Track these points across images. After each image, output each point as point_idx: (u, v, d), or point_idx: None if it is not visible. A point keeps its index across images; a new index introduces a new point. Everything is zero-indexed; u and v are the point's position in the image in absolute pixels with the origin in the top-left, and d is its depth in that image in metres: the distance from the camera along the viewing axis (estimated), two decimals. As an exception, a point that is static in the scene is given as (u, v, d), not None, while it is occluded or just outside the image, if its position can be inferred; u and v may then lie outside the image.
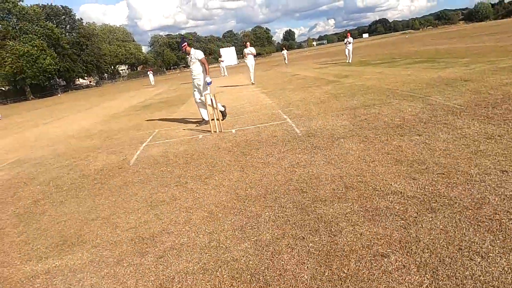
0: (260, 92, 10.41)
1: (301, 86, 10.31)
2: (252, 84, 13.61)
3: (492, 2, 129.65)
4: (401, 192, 2.52)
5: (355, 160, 3.33)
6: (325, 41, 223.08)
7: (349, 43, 17.60)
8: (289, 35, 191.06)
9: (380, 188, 2.63)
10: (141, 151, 5.14)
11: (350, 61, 17.24)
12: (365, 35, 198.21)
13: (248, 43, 14.08)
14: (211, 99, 5.67)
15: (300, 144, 4.18)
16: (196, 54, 6.37)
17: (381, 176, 2.86)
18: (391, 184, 2.67)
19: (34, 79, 57.57)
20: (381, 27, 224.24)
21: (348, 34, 17.73)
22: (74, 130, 8.72)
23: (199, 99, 6.49)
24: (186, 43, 6.35)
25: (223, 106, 6.66)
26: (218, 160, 4.10)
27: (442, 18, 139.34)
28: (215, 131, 5.63)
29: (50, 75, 61.41)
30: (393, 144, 3.62)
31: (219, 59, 28.89)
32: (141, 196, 3.31)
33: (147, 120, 8.34)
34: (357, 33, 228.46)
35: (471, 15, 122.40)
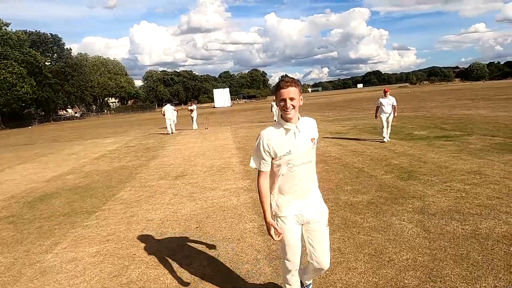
0: (252, 211, 5.19)
1: (334, 203, 5.13)
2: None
3: (485, 63, 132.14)
4: None
5: None
6: (320, 88, 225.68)
7: (393, 108, 9.33)
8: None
9: None
10: None
11: (388, 138, 9.49)
12: (360, 85, 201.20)
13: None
14: None
15: None
16: None
17: None
18: None
19: (6, 106, 52.29)
20: (375, 78, 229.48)
21: (387, 90, 9.62)
22: None
23: None
24: None
25: None
26: None
27: (436, 74, 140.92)
28: None
29: (25, 104, 56.10)
30: None
31: (189, 105, 21.19)
32: None
33: None
34: (351, 82, 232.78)
35: (467, 74, 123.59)
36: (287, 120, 2.06)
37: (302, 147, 2.08)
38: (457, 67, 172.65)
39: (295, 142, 2.07)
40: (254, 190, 5.74)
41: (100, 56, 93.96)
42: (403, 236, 3.55)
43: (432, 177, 5.63)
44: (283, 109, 2.02)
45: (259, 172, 2.15)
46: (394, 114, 9.47)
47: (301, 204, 2.18)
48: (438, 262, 2.98)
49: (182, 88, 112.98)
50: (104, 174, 8.43)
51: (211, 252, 3.60)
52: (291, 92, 2.00)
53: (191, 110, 20.26)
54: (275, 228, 2.12)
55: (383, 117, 9.44)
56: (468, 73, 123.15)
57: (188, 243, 3.87)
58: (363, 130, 12.61)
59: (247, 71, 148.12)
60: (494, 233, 3.45)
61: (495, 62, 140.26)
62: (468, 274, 2.76)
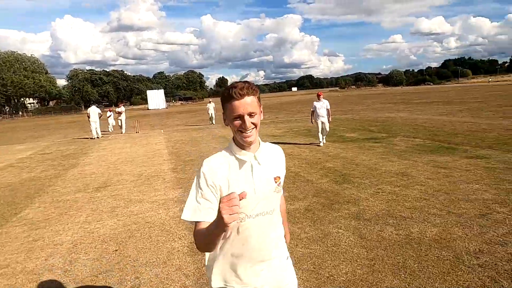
0: None
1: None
2: None
3: (402, 70, 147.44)
4: None
5: None
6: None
7: (327, 112, 9.25)
8: (222, 81, 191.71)
9: None
10: None
11: (324, 141, 9.55)
12: (294, 89, 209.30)
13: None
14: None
15: None
16: None
17: None
18: None
19: None
20: (308, 82, 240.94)
21: (320, 93, 9.64)
22: None
23: None
24: None
25: None
26: None
27: (362, 79, 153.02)
28: None
29: None
30: None
31: (118, 107, 19.55)
32: None
33: None
34: (286, 86, 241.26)
35: (388, 80, 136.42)
36: (243, 146, 1.34)
37: (262, 189, 1.34)
38: (379, 73, 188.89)
39: (251, 180, 1.33)
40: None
41: (14, 52, 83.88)
42: (341, 247, 3.40)
43: (364, 180, 5.72)
44: (240, 130, 1.29)
45: (197, 224, 1.28)
46: (329, 119, 9.38)
47: (254, 274, 1.39)
48: (377, 274, 2.86)
49: (113, 88, 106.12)
50: (7, 188, 7.18)
51: (131, 282, 3.07)
52: (248, 104, 1.27)
53: (119, 113, 18.82)
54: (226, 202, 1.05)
55: (319, 121, 9.38)
56: (389, 79, 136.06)
57: (104, 273, 3.27)
58: (298, 132, 12.79)
59: (183, 72, 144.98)
60: (426, 237, 3.47)
61: (410, 70, 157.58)
62: (407, 286, 2.67)
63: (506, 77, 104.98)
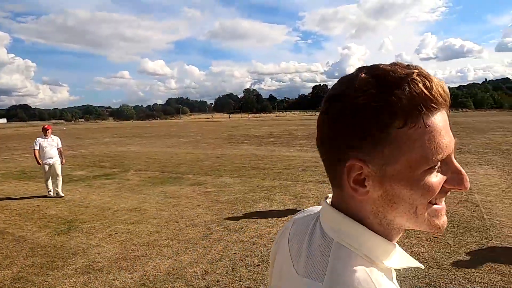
0: None
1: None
2: None
3: (132, 105, 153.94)
4: None
5: None
6: None
7: (59, 152, 7.26)
8: None
9: None
10: None
11: (60, 191, 7.06)
12: (3, 120, 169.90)
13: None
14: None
15: None
16: None
17: None
18: None
19: None
20: (23, 113, 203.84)
21: (48, 127, 7.35)
22: None
23: None
24: None
25: None
26: None
27: (91, 112, 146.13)
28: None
29: None
30: None
31: None
32: None
33: None
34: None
35: (118, 114, 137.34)
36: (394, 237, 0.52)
37: None
38: (109, 107, 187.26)
39: None
40: None
41: None
42: None
43: (95, 223, 5.17)
44: (437, 210, 0.48)
45: None
46: (62, 161, 7.36)
47: None
48: None
49: None
50: None
51: None
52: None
53: None
54: None
55: (46, 165, 7.08)
56: (120, 113, 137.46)
57: None
58: (9, 175, 10.16)
59: None
60: (160, 272, 3.47)
61: (140, 105, 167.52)
62: None
63: (215, 115, 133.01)
